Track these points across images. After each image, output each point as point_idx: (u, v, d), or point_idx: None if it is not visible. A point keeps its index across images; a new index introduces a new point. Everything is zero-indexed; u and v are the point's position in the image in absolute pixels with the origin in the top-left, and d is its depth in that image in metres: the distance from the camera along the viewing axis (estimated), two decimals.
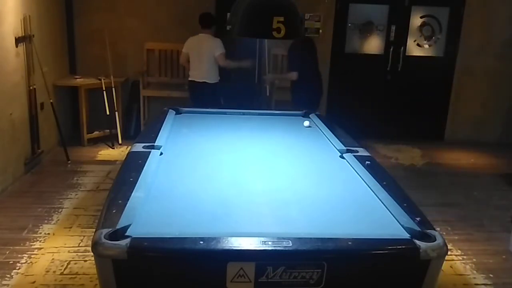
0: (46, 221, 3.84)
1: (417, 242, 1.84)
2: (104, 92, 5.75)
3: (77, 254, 3.35)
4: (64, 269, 3.17)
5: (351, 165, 2.83)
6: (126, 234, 1.79)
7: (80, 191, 4.47)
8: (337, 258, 1.83)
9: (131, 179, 2.33)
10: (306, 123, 3.84)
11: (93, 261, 1.84)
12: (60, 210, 4.05)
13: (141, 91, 6.13)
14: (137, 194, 2.17)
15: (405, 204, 2.19)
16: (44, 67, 5.10)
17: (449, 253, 2.02)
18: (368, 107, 6.54)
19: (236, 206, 2.23)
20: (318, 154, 3.15)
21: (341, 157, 3.00)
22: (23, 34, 4.72)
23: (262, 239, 1.79)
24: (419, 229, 1.95)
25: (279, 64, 6.35)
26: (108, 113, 5.81)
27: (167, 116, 3.80)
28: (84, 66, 6.20)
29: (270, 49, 6.05)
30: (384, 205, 2.25)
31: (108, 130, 5.90)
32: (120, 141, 5.91)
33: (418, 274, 1.85)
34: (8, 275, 3.07)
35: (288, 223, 2.10)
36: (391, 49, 6.55)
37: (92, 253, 1.76)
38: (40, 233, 3.64)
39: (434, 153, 6.21)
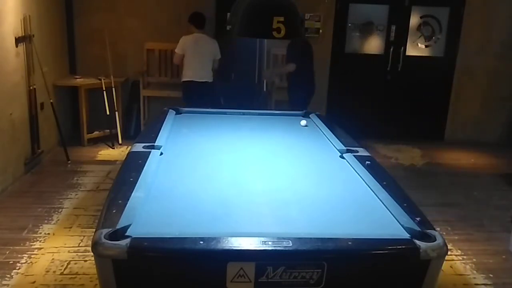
0: (46, 221, 3.84)
1: (417, 242, 1.84)
2: (104, 92, 5.75)
3: (77, 254, 3.35)
4: (64, 269, 3.17)
5: (351, 165, 2.83)
6: (126, 234, 1.79)
7: (80, 191, 4.47)
8: (337, 258, 1.83)
9: (131, 179, 2.33)
10: (303, 122, 3.84)
11: (93, 261, 1.84)
12: (60, 210, 4.05)
13: (141, 91, 6.13)
14: (137, 194, 2.17)
15: (405, 204, 2.19)
16: (44, 67, 5.10)
17: (449, 253, 2.02)
18: (368, 107, 6.54)
19: (236, 206, 2.23)
20: (318, 154, 3.15)
21: (341, 157, 3.00)
22: (23, 34, 4.72)
23: (262, 239, 1.79)
24: (419, 229, 1.95)
25: (279, 64, 6.35)
26: (108, 113, 5.81)
27: (167, 116, 3.80)
28: (84, 66, 6.20)
29: (270, 49, 6.06)
30: (384, 205, 2.25)
31: (108, 130, 5.90)
32: (120, 141, 5.91)
33: (418, 274, 1.85)
34: (8, 275, 3.07)
35: (288, 223, 2.10)
36: (391, 49, 6.55)
37: (92, 253, 1.76)
38: (40, 233, 3.64)
39: (434, 153, 6.21)
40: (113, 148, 5.80)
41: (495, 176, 5.42)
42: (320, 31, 6.36)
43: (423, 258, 1.80)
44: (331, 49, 6.51)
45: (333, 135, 3.41)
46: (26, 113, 4.88)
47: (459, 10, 6.48)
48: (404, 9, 6.50)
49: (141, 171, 2.45)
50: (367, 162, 2.81)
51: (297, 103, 5.23)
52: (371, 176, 2.57)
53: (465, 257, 3.58)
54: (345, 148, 3.10)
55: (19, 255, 3.31)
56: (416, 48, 6.66)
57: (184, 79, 5.56)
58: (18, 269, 3.15)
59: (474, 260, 3.54)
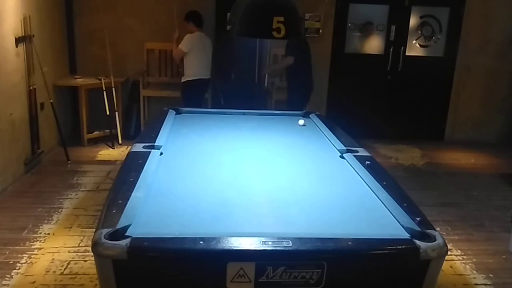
0: (46, 221, 3.84)
1: (417, 242, 1.84)
2: (104, 92, 5.75)
3: (77, 254, 3.35)
4: (64, 269, 3.17)
5: (351, 165, 2.83)
6: (126, 234, 1.79)
7: (80, 191, 4.47)
8: (337, 258, 1.83)
9: (131, 179, 2.32)
10: (301, 121, 3.85)
11: (93, 261, 1.84)
12: (60, 210, 4.05)
13: (141, 91, 6.14)
14: (137, 194, 2.16)
15: (405, 204, 2.19)
16: (44, 67, 5.10)
17: (449, 253, 2.02)
18: (368, 107, 6.54)
19: (236, 206, 2.22)
20: (318, 154, 3.15)
21: (341, 157, 2.99)
22: (23, 34, 4.72)
23: (262, 239, 1.79)
24: (419, 229, 1.95)
25: (279, 60, 6.34)
26: (108, 113, 5.82)
27: (167, 116, 3.80)
28: (84, 66, 6.20)
29: (270, 49, 6.06)
30: (384, 205, 2.25)
31: (108, 130, 5.90)
32: (120, 141, 5.91)
33: (418, 274, 1.85)
34: (8, 275, 3.07)
35: (288, 223, 2.10)
36: (391, 49, 6.55)
37: (92, 253, 1.75)
38: (40, 233, 3.64)
39: (434, 153, 6.21)
40: (113, 148, 5.80)
41: (495, 176, 5.42)
42: (320, 31, 6.37)
43: (423, 258, 1.80)
44: (331, 49, 6.51)
45: (333, 135, 3.40)
46: (26, 113, 4.88)
47: (459, 10, 6.49)
48: (404, 9, 6.51)
49: (141, 171, 2.44)
50: (367, 162, 2.81)
51: (295, 103, 5.25)
52: (371, 176, 2.57)
53: (465, 257, 3.58)
54: (345, 148, 3.10)
55: (19, 255, 3.31)
56: (416, 48, 6.66)
57: (189, 78, 5.60)
58: (18, 269, 3.15)
59: (474, 260, 3.54)
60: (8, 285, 2.99)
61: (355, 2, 6.50)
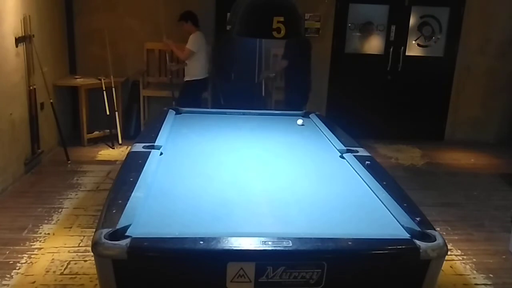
0: (46, 221, 3.84)
1: (417, 242, 1.84)
2: (104, 92, 5.75)
3: (77, 254, 3.35)
4: (64, 269, 3.17)
5: (351, 165, 2.83)
6: (126, 234, 1.79)
7: (80, 191, 4.47)
8: (337, 258, 1.83)
9: (131, 179, 2.33)
10: (300, 121, 3.85)
11: (93, 261, 1.84)
12: (60, 210, 4.05)
13: (141, 91, 6.14)
14: (137, 194, 2.17)
15: (405, 204, 2.19)
16: (44, 67, 5.10)
17: (449, 253, 2.02)
18: (368, 107, 6.54)
19: (236, 206, 2.23)
20: (318, 154, 3.15)
21: (341, 157, 3.00)
22: (23, 34, 4.71)
23: (262, 239, 1.79)
24: (419, 229, 1.95)
25: (274, 62, 6.34)
26: (108, 113, 5.81)
27: (167, 116, 3.80)
28: (84, 66, 6.20)
29: (270, 49, 6.06)
30: (384, 205, 2.25)
31: (108, 130, 5.89)
32: (120, 141, 5.91)
33: (418, 274, 1.85)
34: (8, 275, 3.07)
35: (288, 223, 2.10)
36: (391, 49, 6.55)
37: (92, 253, 1.76)
38: (40, 233, 3.64)
39: (434, 153, 6.21)
40: (113, 148, 5.80)
41: (495, 176, 5.42)
42: (320, 31, 6.36)
43: (423, 258, 1.80)
44: (331, 49, 6.51)
45: (333, 135, 3.40)
46: (26, 113, 4.88)
47: (459, 10, 6.49)
48: (404, 9, 6.50)
49: (141, 171, 2.44)
50: (367, 162, 2.81)
51: (293, 103, 5.25)
52: (371, 176, 2.57)
53: (465, 257, 3.58)
54: (345, 148, 3.10)
55: (19, 255, 3.31)
56: (416, 48, 6.66)
57: (196, 77, 5.67)
58: (18, 269, 3.15)
59: (474, 260, 3.54)
60: (8, 285, 2.99)
61: (355, 2, 6.50)
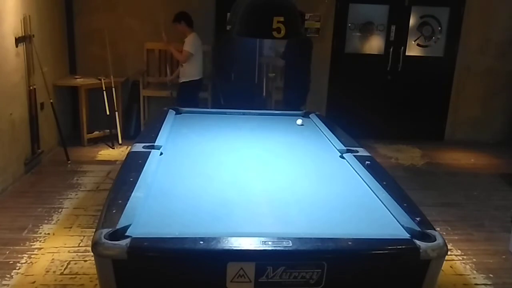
0: (46, 221, 3.84)
1: (417, 242, 1.84)
2: (104, 92, 5.75)
3: (77, 254, 3.35)
4: (64, 269, 3.17)
5: (351, 165, 2.83)
6: (126, 234, 1.79)
7: (80, 191, 4.47)
8: (337, 258, 1.83)
9: (131, 179, 2.33)
10: (299, 121, 3.85)
11: (93, 261, 1.84)
12: (60, 210, 4.05)
13: (141, 91, 6.14)
14: (137, 194, 2.17)
15: (405, 204, 2.19)
16: (44, 67, 5.10)
17: (449, 253, 2.02)
18: (368, 107, 6.54)
19: (236, 206, 2.22)
20: (318, 154, 3.15)
21: (341, 157, 3.00)
22: (23, 34, 4.72)
23: (262, 239, 1.79)
24: (419, 229, 1.95)
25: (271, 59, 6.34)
26: (108, 113, 5.81)
27: (167, 116, 3.80)
28: (84, 66, 6.20)
29: (270, 49, 6.07)
30: (384, 205, 2.25)
31: (108, 130, 5.89)
32: (120, 141, 5.91)
33: (418, 274, 1.85)
34: (8, 275, 3.07)
35: (288, 223, 2.10)
36: (391, 49, 6.55)
37: (92, 253, 1.76)
38: (40, 233, 3.64)
39: (434, 153, 6.21)
40: (113, 148, 5.80)
41: (495, 176, 5.42)
42: (320, 31, 6.36)
43: (423, 258, 1.80)
44: (331, 49, 6.51)
45: (333, 135, 3.40)
46: (26, 113, 4.88)
47: (459, 10, 6.49)
48: (404, 9, 6.51)
49: (141, 171, 2.44)
50: (367, 162, 2.81)
51: (292, 102, 5.25)
52: (371, 176, 2.57)
53: (465, 257, 3.58)
54: (345, 148, 3.10)
55: (19, 255, 3.31)
56: (416, 48, 6.66)
57: (193, 78, 5.68)
58: (18, 269, 3.15)
59: (474, 260, 3.54)
60: (8, 285, 2.99)
61: (355, 2, 6.50)
